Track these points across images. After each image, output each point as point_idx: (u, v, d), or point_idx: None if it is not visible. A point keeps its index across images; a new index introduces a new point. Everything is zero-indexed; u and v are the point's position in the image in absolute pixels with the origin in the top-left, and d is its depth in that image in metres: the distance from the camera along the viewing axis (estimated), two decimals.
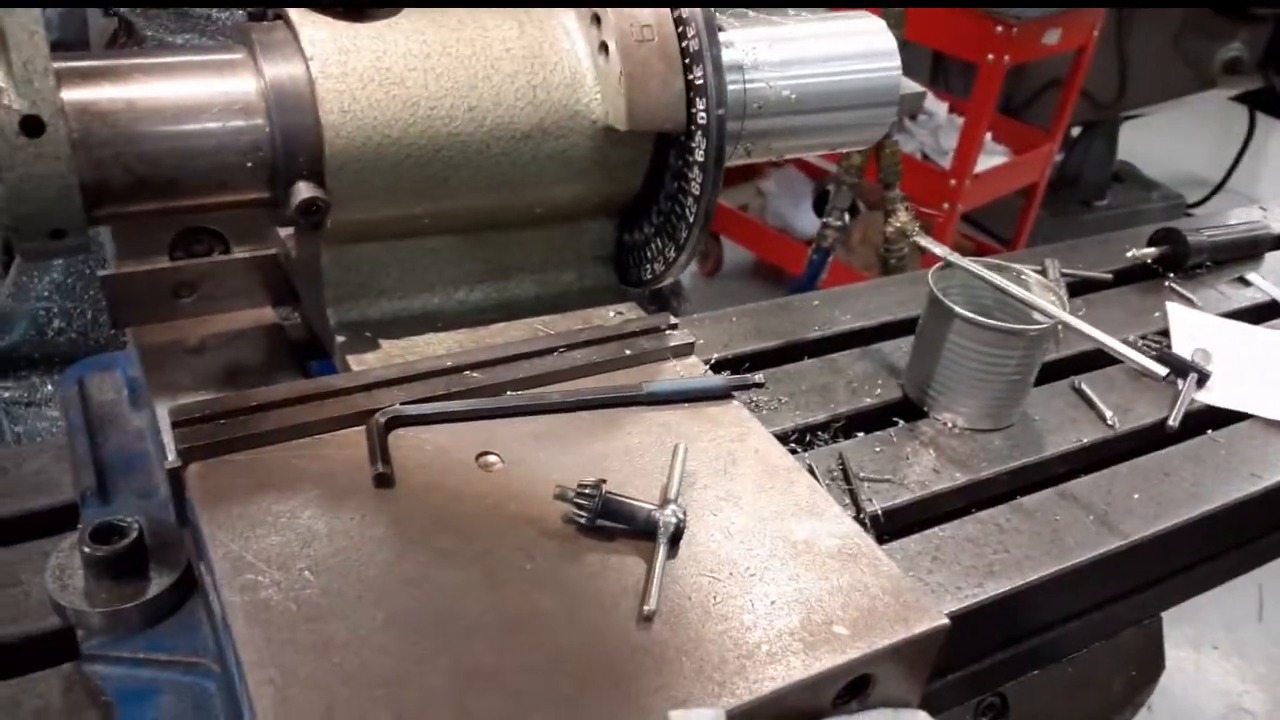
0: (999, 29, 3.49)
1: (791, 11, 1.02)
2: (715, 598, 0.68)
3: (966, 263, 1.30)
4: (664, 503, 0.72)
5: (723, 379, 0.86)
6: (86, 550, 0.87)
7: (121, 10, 1.31)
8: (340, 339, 0.87)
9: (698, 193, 0.87)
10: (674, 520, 0.70)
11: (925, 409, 1.32)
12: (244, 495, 0.71)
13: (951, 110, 4.18)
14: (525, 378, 0.84)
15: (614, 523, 0.72)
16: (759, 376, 0.88)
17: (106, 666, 0.84)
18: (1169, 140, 5.41)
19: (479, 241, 0.92)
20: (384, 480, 0.73)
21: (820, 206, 3.48)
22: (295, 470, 0.74)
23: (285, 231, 0.97)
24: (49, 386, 1.46)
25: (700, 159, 0.85)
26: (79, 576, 0.89)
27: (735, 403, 0.86)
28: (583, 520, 0.71)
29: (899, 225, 1.27)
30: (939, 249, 1.33)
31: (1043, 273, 1.53)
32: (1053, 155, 4.19)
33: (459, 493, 0.74)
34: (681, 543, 0.72)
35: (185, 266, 0.97)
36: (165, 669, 0.84)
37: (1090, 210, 4.84)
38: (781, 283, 4.23)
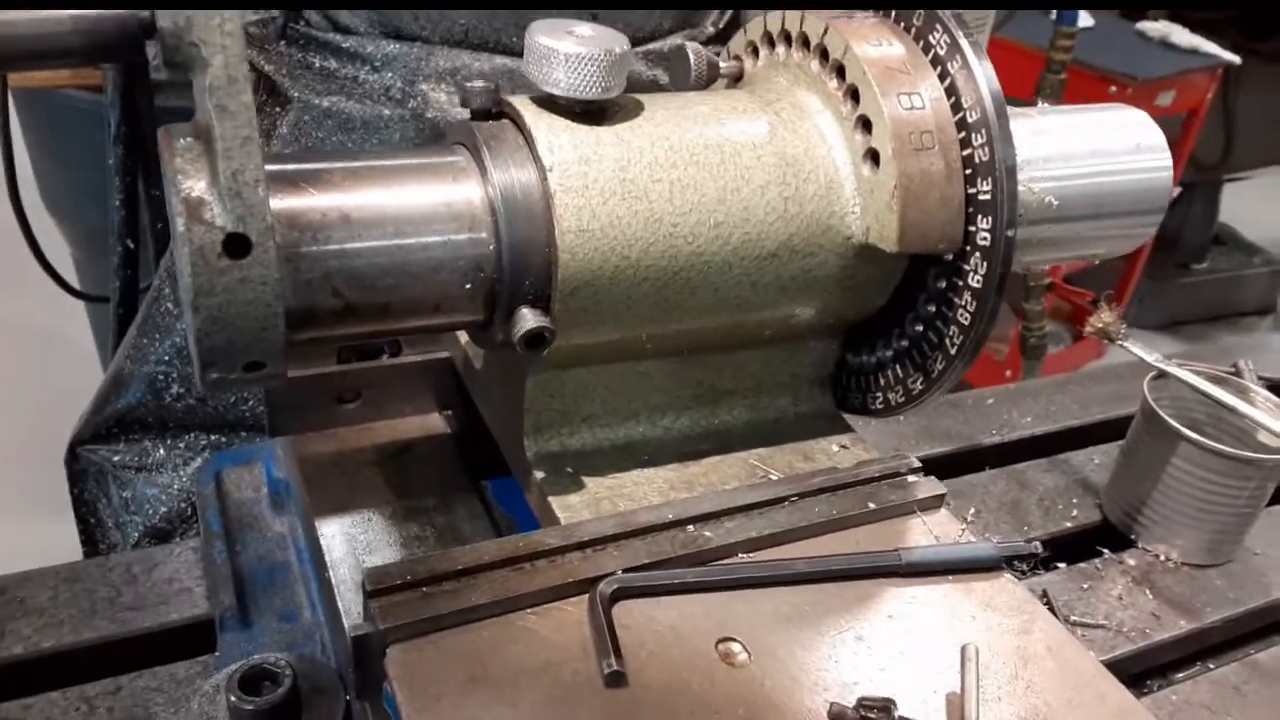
0: (1113, 89, 3.38)
1: (1041, 107, 0.89)
2: None
3: (1186, 375, 1.16)
4: None
5: (993, 546, 0.72)
6: (234, 699, 0.77)
7: (266, 68, 1.21)
8: (539, 474, 0.75)
9: (966, 322, 0.73)
10: None
11: (1133, 537, 1.17)
12: (457, 693, 0.59)
13: None
14: (758, 537, 0.71)
15: None
16: (1037, 544, 0.74)
17: None
18: (1272, 203, 5.18)
19: (692, 364, 0.79)
20: (617, 679, 0.60)
21: None
22: (511, 658, 0.61)
23: (465, 336, 0.86)
24: (160, 452, 1.37)
25: (976, 285, 0.72)
26: None
27: (1007, 576, 0.72)
28: None
29: (1102, 325, 1.12)
30: (1152, 357, 1.18)
31: (1236, 374, 1.38)
32: None
33: (706, 699, 0.61)
34: None
35: (354, 371, 0.86)
36: None
37: (1189, 273, 4.64)
38: None
